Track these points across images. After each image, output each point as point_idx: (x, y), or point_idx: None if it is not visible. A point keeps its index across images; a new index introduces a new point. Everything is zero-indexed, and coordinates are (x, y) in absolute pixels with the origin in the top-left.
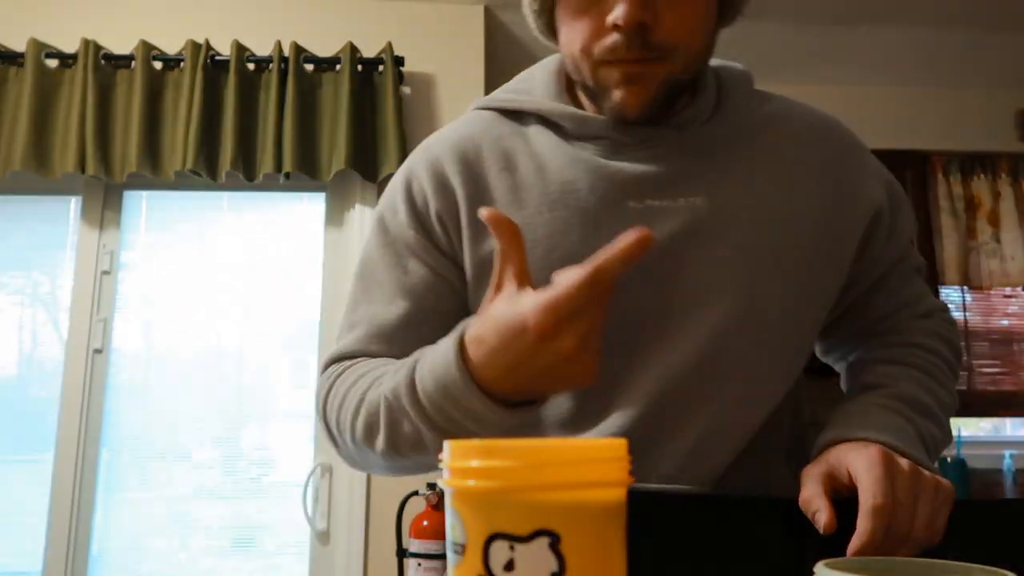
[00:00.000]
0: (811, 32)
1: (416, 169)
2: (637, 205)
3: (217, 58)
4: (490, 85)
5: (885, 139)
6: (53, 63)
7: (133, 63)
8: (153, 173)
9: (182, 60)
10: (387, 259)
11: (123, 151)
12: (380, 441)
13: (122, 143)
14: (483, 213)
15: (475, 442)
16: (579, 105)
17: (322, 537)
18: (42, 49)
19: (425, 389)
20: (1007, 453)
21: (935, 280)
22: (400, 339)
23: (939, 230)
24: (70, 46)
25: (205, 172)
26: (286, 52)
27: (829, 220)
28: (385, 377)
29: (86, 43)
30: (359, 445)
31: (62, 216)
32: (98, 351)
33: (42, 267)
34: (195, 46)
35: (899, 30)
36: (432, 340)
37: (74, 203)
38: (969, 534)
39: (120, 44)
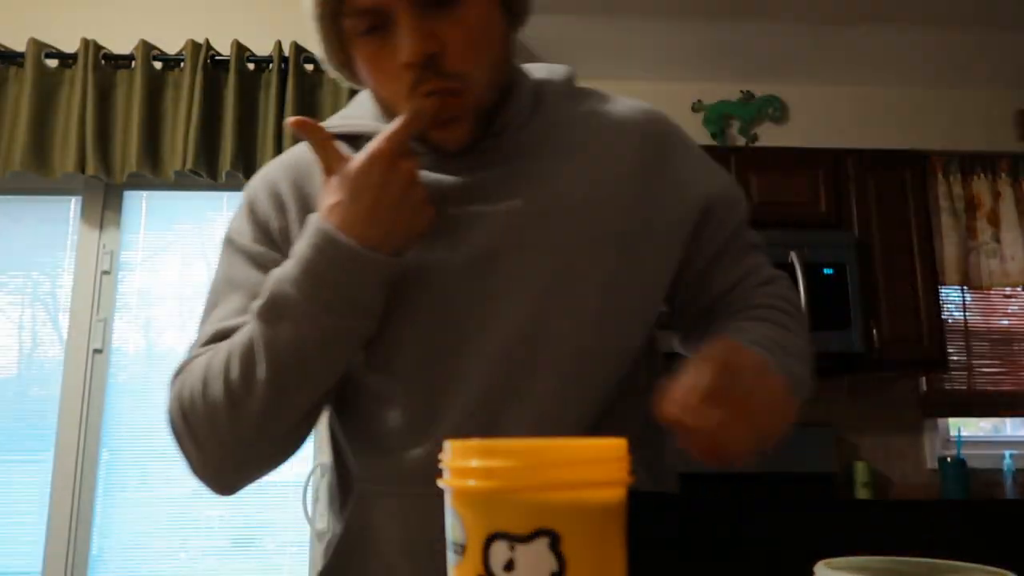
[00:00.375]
0: (811, 32)
1: (255, 193)
2: (459, 212)
3: (217, 58)
4: None
5: (885, 139)
6: (53, 63)
7: (133, 63)
8: (153, 173)
9: (182, 60)
10: (233, 273)
11: (123, 151)
12: (261, 371)
13: (122, 143)
14: (289, 120)
15: (475, 442)
16: None
17: (322, 537)
18: (42, 49)
19: (298, 269)
20: (1007, 453)
21: (935, 280)
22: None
23: (939, 230)
24: (70, 46)
25: (205, 172)
26: (286, 52)
27: (649, 209)
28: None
29: (86, 43)
30: (236, 402)
31: (62, 216)
32: (98, 351)
33: (42, 267)
34: (195, 46)
35: (899, 30)
36: None
37: (74, 203)
38: (969, 534)
39: (120, 44)
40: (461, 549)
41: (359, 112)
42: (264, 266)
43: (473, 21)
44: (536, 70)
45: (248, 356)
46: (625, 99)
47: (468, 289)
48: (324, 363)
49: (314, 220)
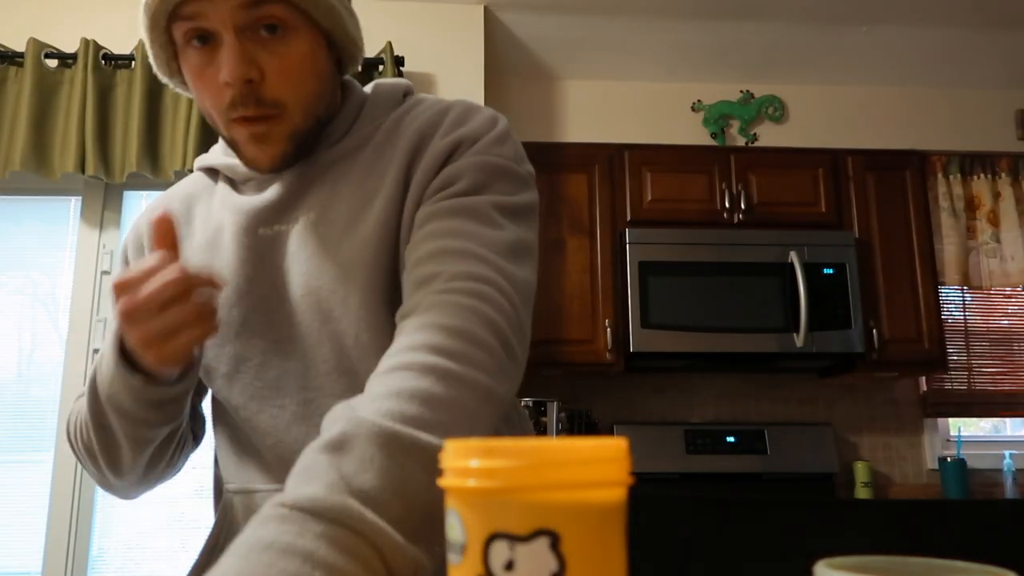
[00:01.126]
0: (811, 32)
1: (127, 238)
2: (267, 231)
3: None
4: (489, 85)
5: (885, 138)
6: (53, 63)
7: (133, 63)
8: (153, 173)
9: None
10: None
11: (123, 151)
12: (86, 437)
13: (122, 143)
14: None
15: (475, 442)
16: None
17: None
18: (42, 49)
19: (101, 368)
20: (1007, 453)
21: (935, 280)
22: None
23: (939, 230)
24: (70, 46)
25: None
26: None
27: (396, 205)
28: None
29: (86, 43)
30: (85, 461)
31: (62, 216)
32: (98, 351)
33: (42, 267)
34: None
35: (899, 30)
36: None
37: (74, 203)
38: (969, 534)
39: (120, 44)
40: (461, 549)
41: (214, 150)
42: None
43: (293, 55)
44: (372, 87)
45: (84, 426)
46: (443, 101)
47: (267, 306)
48: (126, 438)
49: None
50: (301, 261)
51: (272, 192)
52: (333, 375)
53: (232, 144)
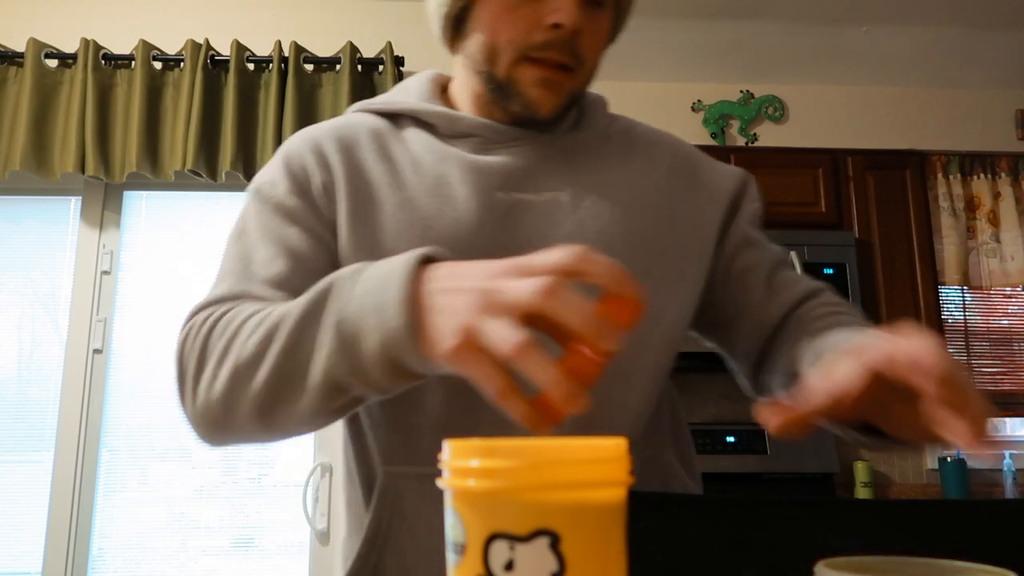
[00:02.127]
0: (811, 32)
1: (295, 149)
2: (504, 196)
3: (217, 58)
4: None
5: (885, 139)
6: (53, 63)
7: (133, 63)
8: (153, 173)
9: (182, 60)
10: (266, 222)
11: (123, 151)
12: (272, 353)
13: (122, 143)
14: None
15: (475, 442)
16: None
17: (322, 537)
18: (42, 49)
19: (358, 297)
20: (1007, 453)
21: (935, 280)
22: (286, 287)
23: (939, 230)
24: (70, 46)
25: (205, 172)
26: (286, 52)
27: (681, 216)
28: (298, 299)
29: (86, 43)
30: (239, 369)
31: (62, 216)
32: (98, 351)
33: (42, 267)
34: (195, 46)
35: (899, 30)
36: None
37: (74, 203)
38: (969, 534)
39: (120, 44)
40: (461, 549)
41: (403, 96)
42: (297, 220)
43: (603, 26)
44: None
45: (268, 339)
46: (650, 126)
47: None
48: (320, 391)
49: (406, 291)
50: (558, 236)
51: (513, 158)
52: None
53: (506, 85)
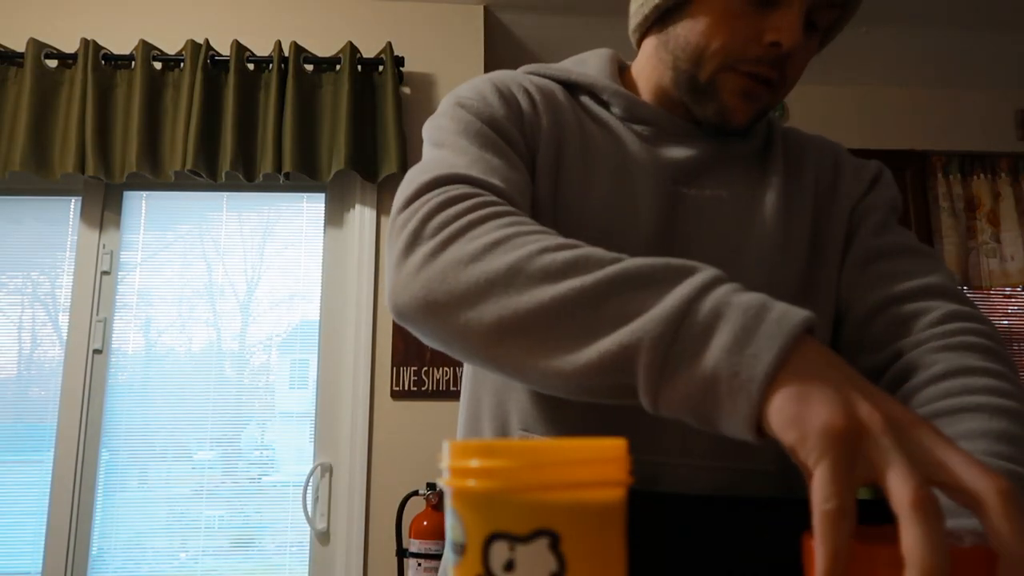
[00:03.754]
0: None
1: (502, 80)
2: (672, 189)
3: (217, 58)
4: None
5: (885, 139)
6: (53, 63)
7: (133, 63)
8: (153, 173)
9: (182, 60)
10: (476, 129)
11: (123, 151)
12: (559, 287)
13: (122, 143)
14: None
15: (475, 442)
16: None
17: (322, 537)
18: (42, 49)
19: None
20: None
21: None
22: (514, 185)
23: (939, 230)
24: (70, 46)
25: (205, 172)
26: (286, 52)
27: (823, 226)
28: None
29: (86, 43)
30: (509, 276)
31: (62, 216)
32: (98, 351)
33: (42, 267)
34: (195, 46)
35: (899, 30)
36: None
37: (74, 203)
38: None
39: (120, 44)
40: (461, 549)
41: (582, 68)
42: (510, 140)
43: (810, 51)
44: None
45: (567, 269)
46: (804, 132)
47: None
48: (578, 374)
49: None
50: (714, 234)
51: (683, 152)
52: None
53: (705, 89)
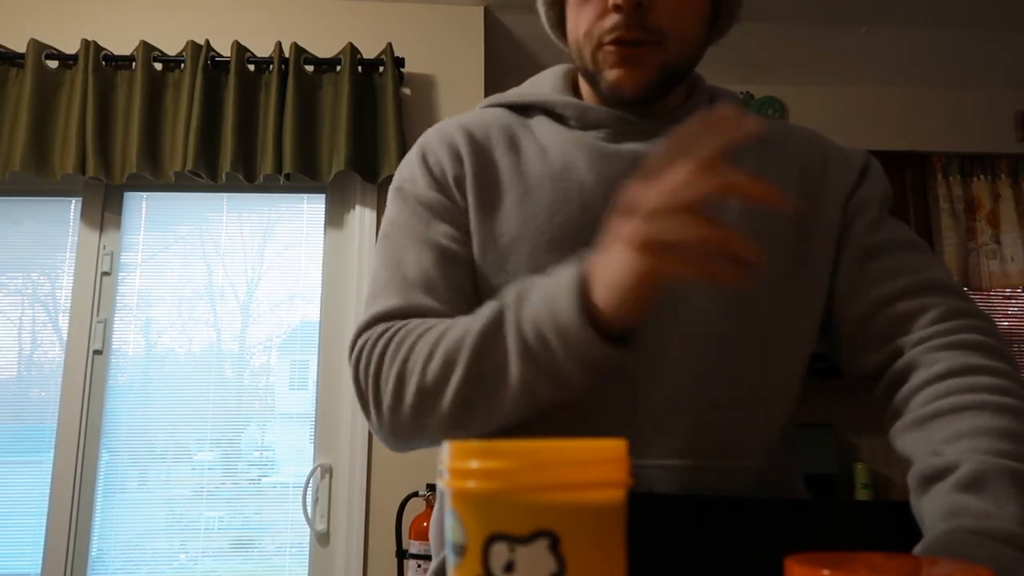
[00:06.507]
0: (811, 32)
1: (430, 144)
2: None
3: (217, 59)
4: (490, 86)
5: (885, 140)
6: (53, 64)
7: (133, 64)
8: (153, 174)
9: (182, 61)
10: (411, 221)
11: (123, 152)
12: (456, 378)
13: (122, 144)
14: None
15: (475, 443)
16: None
17: (322, 538)
18: (42, 50)
19: (532, 305)
20: None
21: None
22: (440, 287)
23: (939, 231)
24: (70, 47)
25: (205, 173)
26: (286, 53)
27: (810, 214)
28: (467, 320)
29: (86, 43)
30: (424, 393)
31: (62, 217)
32: (98, 352)
33: (42, 268)
34: (195, 47)
35: (899, 31)
36: (469, 288)
37: (74, 204)
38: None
39: (120, 45)
40: (461, 550)
41: (535, 89)
42: (439, 215)
43: None
44: (709, 84)
45: (449, 363)
46: (782, 122)
47: None
48: (515, 404)
49: (578, 280)
50: None
51: (643, 147)
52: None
53: (594, 74)
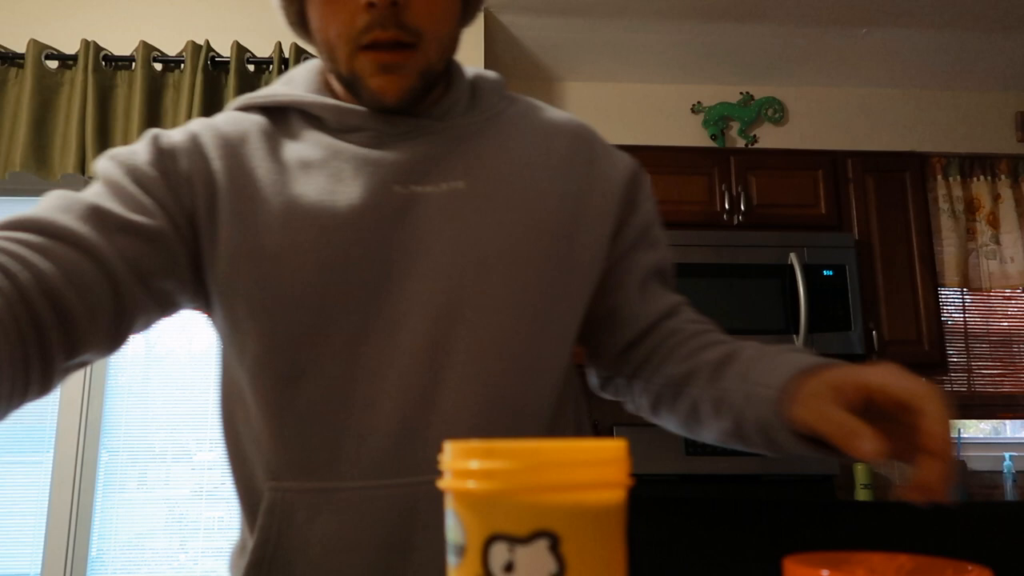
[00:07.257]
0: (810, 34)
1: (167, 133)
2: (402, 190)
3: (217, 59)
4: None
5: (885, 140)
6: (53, 64)
7: (133, 64)
8: None
9: (182, 61)
10: (115, 180)
11: None
12: None
13: (122, 144)
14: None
15: (475, 444)
16: (340, 100)
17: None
18: (42, 50)
19: None
20: (1007, 455)
21: (935, 282)
22: (92, 227)
23: (939, 232)
24: (70, 47)
25: None
26: (286, 53)
27: (579, 203)
28: None
29: (86, 44)
30: None
31: None
32: None
33: None
34: (195, 47)
35: (899, 32)
36: (124, 254)
37: None
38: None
39: (120, 45)
40: (461, 551)
41: (288, 88)
42: (148, 190)
43: None
44: (469, 70)
45: None
46: (550, 107)
47: (405, 267)
48: None
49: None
50: (456, 228)
51: (408, 150)
52: (432, 349)
53: (352, 81)
